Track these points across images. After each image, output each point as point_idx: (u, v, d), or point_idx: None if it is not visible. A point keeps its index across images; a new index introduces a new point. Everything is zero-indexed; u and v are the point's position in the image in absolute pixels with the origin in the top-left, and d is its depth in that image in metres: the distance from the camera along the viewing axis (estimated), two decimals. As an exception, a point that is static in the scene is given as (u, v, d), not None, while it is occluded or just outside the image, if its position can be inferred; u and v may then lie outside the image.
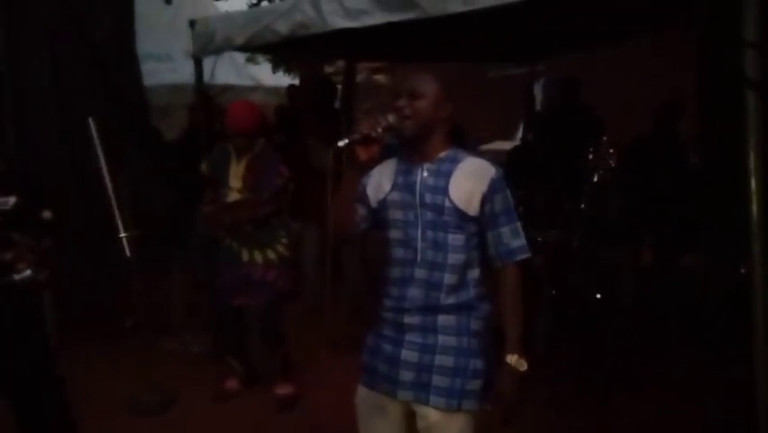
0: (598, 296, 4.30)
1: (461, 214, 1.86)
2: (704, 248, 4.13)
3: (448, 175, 1.89)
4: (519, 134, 8.11)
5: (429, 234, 1.87)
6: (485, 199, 1.88)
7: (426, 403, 1.88)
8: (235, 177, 3.59)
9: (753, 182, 2.06)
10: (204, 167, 3.76)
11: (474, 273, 1.92)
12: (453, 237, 1.87)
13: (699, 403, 3.46)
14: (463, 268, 1.88)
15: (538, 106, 7.72)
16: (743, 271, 3.58)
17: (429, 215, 1.88)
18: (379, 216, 1.97)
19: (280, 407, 3.60)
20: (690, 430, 3.28)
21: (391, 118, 1.86)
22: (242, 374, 3.82)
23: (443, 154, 1.93)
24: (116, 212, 3.58)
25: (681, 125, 5.17)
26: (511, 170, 5.12)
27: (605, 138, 5.01)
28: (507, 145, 8.17)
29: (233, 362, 3.82)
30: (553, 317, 4.12)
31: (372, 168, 1.98)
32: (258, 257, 3.58)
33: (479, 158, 1.96)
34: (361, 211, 1.98)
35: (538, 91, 8.36)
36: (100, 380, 3.93)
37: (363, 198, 1.98)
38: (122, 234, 3.57)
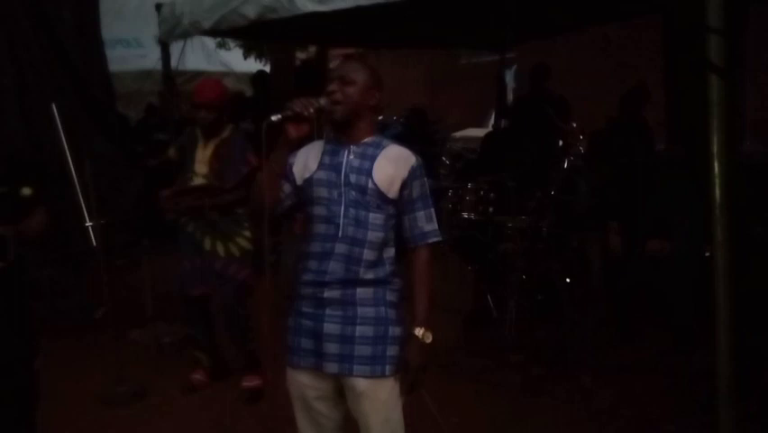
0: (568, 280, 4.34)
1: (382, 195, 1.99)
2: (670, 233, 4.19)
3: (372, 159, 2.01)
4: (491, 121, 8.14)
5: (351, 211, 1.97)
6: (404, 185, 2.01)
7: (351, 373, 1.96)
8: (201, 162, 3.51)
9: (716, 166, 2.09)
10: (171, 151, 3.68)
11: (390, 252, 2.04)
12: (374, 216, 1.98)
13: (667, 386, 3.53)
14: (381, 245, 2.00)
15: (510, 94, 7.75)
16: (707, 255, 3.66)
17: (353, 194, 1.98)
18: (303, 194, 2.05)
19: (247, 399, 3.54)
20: (658, 413, 3.34)
21: (323, 101, 1.96)
22: (209, 366, 3.75)
23: (368, 139, 2.04)
24: (82, 201, 3.50)
25: (647, 112, 5.24)
26: (483, 156, 5.16)
27: (574, 124, 5.06)
28: (479, 132, 8.21)
29: (200, 353, 3.74)
30: (524, 302, 4.15)
31: (301, 146, 2.07)
32: (219, 248, 3.50)
33: (400, 146, 2.06)
34: (287, 188, 2.06)
35: (510, 78, 8.40)
36: (69, 372, 3.87)
37: (289, 176, 2.05)
38: (87, 224, 3.50)
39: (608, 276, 4.70)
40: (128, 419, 3.42)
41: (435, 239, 2.06)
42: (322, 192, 2.00)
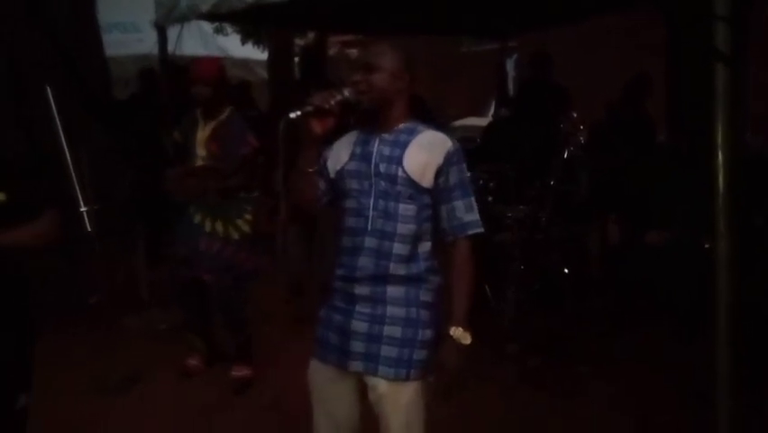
0: (567, 271, 4.32)
1: (414, 184, 1.87)
2: (669, 224, 4.17)
3: (404, 146, 1.90)
4: (491, 111, 8.10)
5: (381, 202, 1.88)
6: (439, 172, 1.88)
7: (375, 374, 1.89)
8: (200, 144, 3.47)
9: (719, 156, 2.06)
10: (176, 135, 3.64)
11: (425, 246, 1.93)
12: (405, 207, 1.88)
13: (667, 378, 3.52)
14: (414, 239, 1.89)
15: (510, 83, 7.71)
16: (707, 246, 3.64)
17: (383, 184, 1.88)
18: (337, 187, 1.98)
19: (235, 389, 3.51)
20: (657, 404, 3.33)
21: (347, 92, 1.85)
22: (204, 352, 3.73)
23: (401, 126, 1.94)
24: (76, 185, 3.47)
25: (649, 104, 5.21)
26: (484, 146, 5.13)
27: (575, 114, 5.02)
28: (479, 121, 8.18)
29: (195, 339, 3.72)
30: (522, 292, 4.13)
31: (328, 141, 1.98)
32: (219, 230, 3.47)
33: (436, 131, 1.95)
34: (322, 185, 1.98)
35: (510, 67, 8.36)
36: (63, 358, 3.84)
37: (323, 171, 1.98)
38: (82, 209, 3.46)
39: (607, 267, 4.69)
40: (123, 405, 3.41)
41: (477, 230, 1.93)
42: (353, 184, 1.92)
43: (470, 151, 6.31)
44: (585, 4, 4.80)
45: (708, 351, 2.23)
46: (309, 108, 1.81)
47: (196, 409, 3.36)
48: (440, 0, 4.47)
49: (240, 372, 3.57)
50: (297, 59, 8.37)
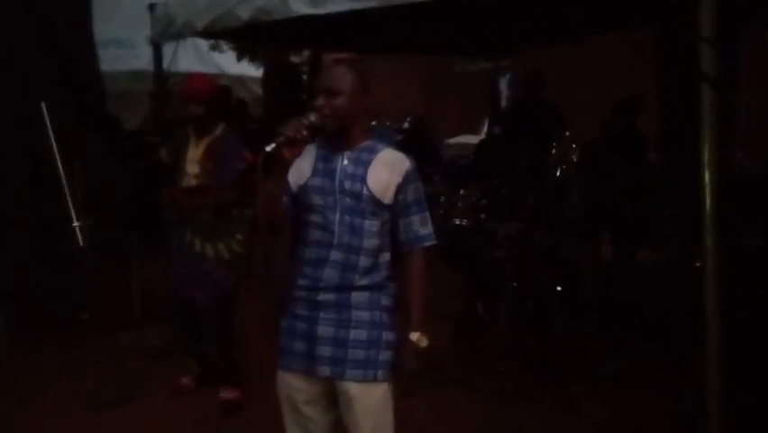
0: (559, 289, 4.33)
1: (377, 202, 1.96)
2: (661, 243, 4.20)
3: (367, 164, 1.98)
4: (485, 129, 8.16)
5: (347, 218, 1.95)
6: (399, 189, 1.98)
7: (343, 377, 1.94)
8: (192, 161, 3.43)
9: (706, 175, 2.09)
10: (162, 153, 3.60)
11: (385, 257, 2.02)
12: (369, 223, 1.96)
13: (657, 396, 3.52)
14: (376, 252, 1.98)
15: (504, 102, 7.77)
16: (697, 264, 3.66)
17: (347, 201, 1.96)
18: (299, 201, 2.03)
19: (224, 411, 3.45)
20: (647, 424, 3.32)
21: (312, 117, 1.91)
22: (196, 372, 3.69)
23: (363, 144, 2.01)
24: (69, 200, 3.47)
25: (641, 122, 5.26)
26: (476, 163, 5.16)
27: (567, 133, 5.06)
28: (472, 139, 8.22)
29: (188, 358, 3.69)
30: (515, 309, 4.14)
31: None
32: (209, 250, 3.43)
33: (394, 150, 2.04)
34: (287, 200, 2.03)
35: (504, 86, 8.43)
36: (56, 374, 3.83)
37: (286, 187, 2.02)
38: (75, 224, 3.46)
39: (600, 285, 4.70)
40: (115, 422, 3.38)
41: (430, 243, 2.04)
42: (317, 199, 1.98)
43: (463, 168, 6.38)
44: (578, 24, 4.87)
45: (699, 369, 2.25)
46: (282, 139, 1.86)
47: (192, 426, 3.34)
48: (435, 19, 4.53)
49: (229, 393, 3.51)
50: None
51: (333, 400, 2.01)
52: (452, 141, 9.10)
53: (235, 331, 3.56)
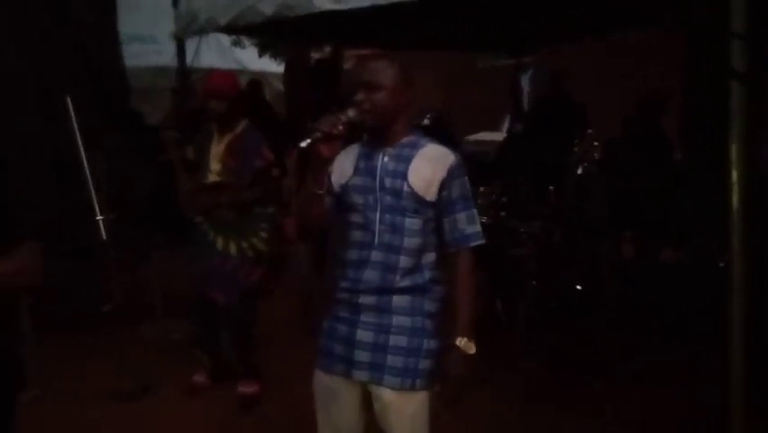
0: (580, 288, 4.30)
1: (419, 199, 1.89)
2: (684, 242, 4.14)
3: (408, 160, 1.91)
4: (506, 126, 8.10)
5: (387, 217, 1.89)
6: (443, 185, 1.90)
7: (380, 383, 1.89)
8: (215, 158, 3.43)
9: (734, 174, 2.05)
10: (189, 152, 3.57)
11: (430, 257, 1.94)
12: (410, 221, 1.89)
13: (679, 396, 3.48)
14: (419, 251, 1.91)
15: (525, 98, 7.71)
16: (721, 265, 3.61)
17: (388, 198, 1.90)
18: (341, 201, 1.98)
19: (242, 405, 3.47)
20: (669, 423, 3.29)
21: (351, 113, 1.85)
22: (210, 369, 3.69)
23: (404, 140, 1.95)
24: (93, 194, 3.51)
25: (665, 121, 5.19)
26: (498, 160, 5.13)
27: (590, 131, 5.01)
28: (493, 136, 8.17)
29: (203, 355, 3.69)
30: (535, 308, 4.11)
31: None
32: (232, 248, 3.42)
33: (439, 144, 1.96)
34: (329, 201, 1.98)
35: (525, 83, 8.36)
36: (77, 366, 3.87)
37: (329, 187, 1.97)
38: (98, 217, 3.50)
39: (621, 284, 4.65)
40: (135, 414, 3.42)
41: (478, 242, 1.94)
42: (358, 198, 1.92)
43: (485, 165, 6.35)
44: (601, 21, 4.82)
45: (723, 370, 2.21)
46: (318, 135, 1.81)
47: (211, 420, 3.37)
48: (456, 15, 4.50)
49: (247, 388, 3.53)
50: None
51: (367, 403, 1.97)
52: (473, 138, 9.06)
53: (257, 334, 3.56)
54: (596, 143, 4.88)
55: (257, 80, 7.84)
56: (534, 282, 4.14)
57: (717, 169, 2.26)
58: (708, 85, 4.41)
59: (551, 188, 4.41)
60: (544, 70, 6.64)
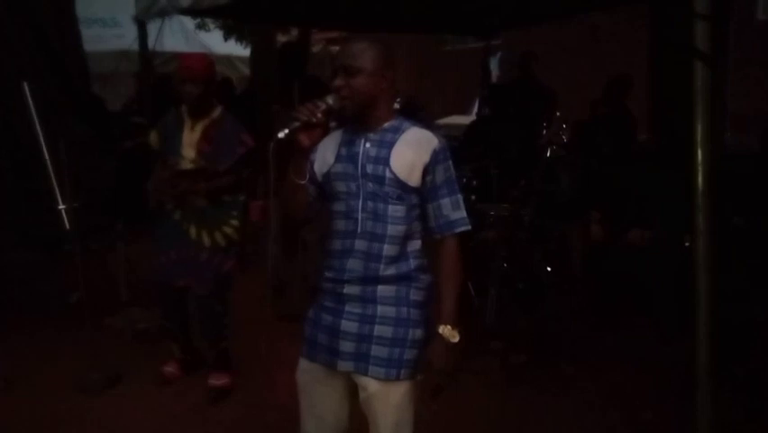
0: (549, 269, 4.34)
1: (401, 184, 1.83)
2: (651, 222, 4.20)
3: (390, 145, 1.85)
4: (475, 109, 8.11)
5: (369, 204, 1.84)
6: (426, 170, 1.84)
7: (365, 373, 1.87)
8: (189, 145, 3.29)
9: (699, 154, 2.07)
10: (152, 137, 3.44)
11: (415, 245, 1.90)
12: (394, 208, 1.84)
13: (647, 374, 3.55)
14: (403, 239, 1.86)
15: (494, 81, 7.72)
16: (687, 244, 3.67)
17: (370, 185, 1.84)
18: (324, 190, 1.93)
19: (212, 398, 3.42)
20: (636, 400, 3.35)
21: (330, 100, 1.79)
22: (181, 359, 3.65)
23: (387, 124, 1.88)
24: (54, 183, 3.41)
25: (631, 102, 5.25)
26: (467, 144, 5.13)
27: (558, 114, 5.05)
28: (463, 119, 8.19)
29: (173, 345, 3.63)
30: (505, 290, 4.14)
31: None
32: (205, 238, 3.34)
33: (423, 128, 1.90)
34: (312, 190, 1.92)
35: (494, 66, 8.38)
36: (43, 357, 3.80)
37: (312, 176, 1.91)
38: (60, 206, 3.40)
39: (590, 265, 4.72)
40: (102, 405, 3.36)
41: (464, 228, 1.89)
42: (340, 186, 1.87)
43: (454, 149, 6.34)
44: (569, 2, 4.81)
45: (689, 349, 2.25)
46: (297, 124, 1.74)
47: (179, 410, 3.32)
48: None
49: (218, 380, 3.48)
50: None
51: (351, 392, 1.95)
52: (443, 121, 9.06)
53: (229, 324, 3.50)
54: (564, 126, 4.92)
55: (228, 77, 7.68)
56: (504, 264, 4.17)
57: (682, 149, 2.29)
58: (672, 65, 4.47)
59: (520, 171, 4.43)
60: (513, 54, 6.64)
